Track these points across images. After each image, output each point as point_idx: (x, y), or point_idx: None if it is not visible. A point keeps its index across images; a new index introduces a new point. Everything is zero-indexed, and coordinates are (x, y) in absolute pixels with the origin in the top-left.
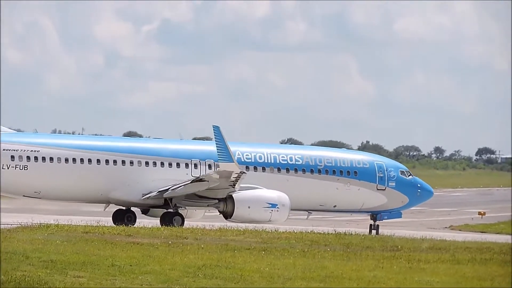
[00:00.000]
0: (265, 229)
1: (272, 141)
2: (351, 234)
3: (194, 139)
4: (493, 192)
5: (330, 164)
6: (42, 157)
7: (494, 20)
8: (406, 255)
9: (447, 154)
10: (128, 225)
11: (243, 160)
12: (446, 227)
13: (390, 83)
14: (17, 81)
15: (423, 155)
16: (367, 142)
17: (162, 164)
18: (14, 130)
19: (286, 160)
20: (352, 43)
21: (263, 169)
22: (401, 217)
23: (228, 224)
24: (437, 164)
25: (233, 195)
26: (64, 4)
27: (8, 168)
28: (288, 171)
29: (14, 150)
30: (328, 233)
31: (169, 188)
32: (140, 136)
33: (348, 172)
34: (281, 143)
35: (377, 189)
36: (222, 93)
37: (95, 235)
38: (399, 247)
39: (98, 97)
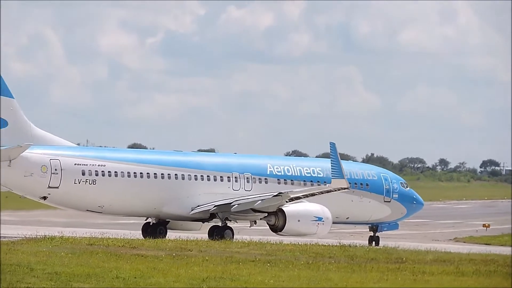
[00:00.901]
0: (270, 241)
1: (276, 153)
2: (356, 246)
3: (199, 150)
4: (497, 204)
5: (346, 177)
6: (108, 172)
7: (498, 32)
8: (410, 267)
9: (451, 166)
10: (159, 238)
11: (274, 173)
12: (450, 239)
13: (394, 95)
14: (22, 93)
15: (428, 167)
16: (372, 154)
17: (208, 178)
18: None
19: (310, 173)
20: (356, 55)
21: (292, 182)
22: (398, 228)
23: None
24: (441, 176)
25: (283, 209)
26: (69, 16)
27: (79, 183)
28: (313, 184)
29: (84, 164)
30: (332, 245)
31: (232, 203)
32: (145, 147)
33: (361, 184)
34: (285, 155)
35: (384, 201)
36: (226, 105)
37: (100, 247)
38: (404, 259)
39: (102, 109)
